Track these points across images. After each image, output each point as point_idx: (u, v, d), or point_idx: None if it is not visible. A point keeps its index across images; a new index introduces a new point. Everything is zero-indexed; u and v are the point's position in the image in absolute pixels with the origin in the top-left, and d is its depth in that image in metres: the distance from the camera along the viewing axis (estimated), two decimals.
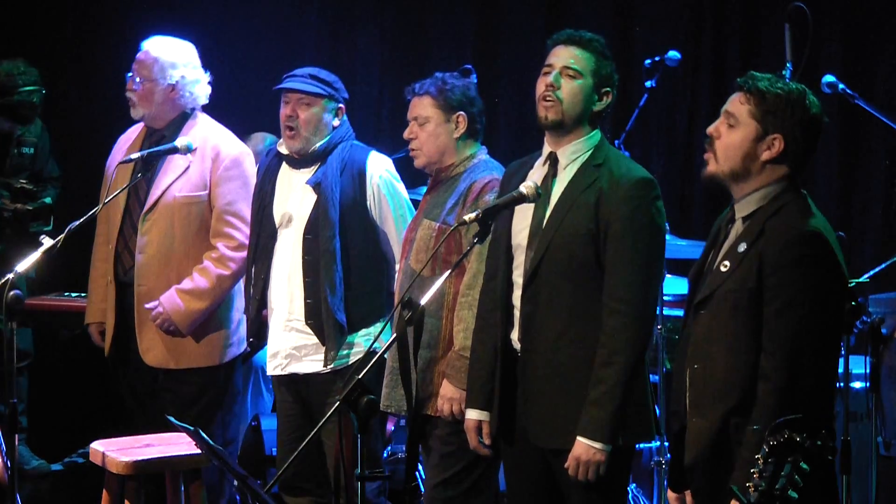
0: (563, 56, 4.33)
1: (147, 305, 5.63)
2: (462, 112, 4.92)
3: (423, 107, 4.95)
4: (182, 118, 5.76)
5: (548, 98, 4.30)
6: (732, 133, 3.78)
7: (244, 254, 5.54)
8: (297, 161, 5.35)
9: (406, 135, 4.99)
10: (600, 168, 4.28)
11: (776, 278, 3.66)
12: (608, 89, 4.35)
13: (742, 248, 3.74)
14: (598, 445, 4.16)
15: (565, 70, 4.31)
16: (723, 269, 3.76)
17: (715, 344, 3.76)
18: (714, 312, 3.76)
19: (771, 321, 3.66)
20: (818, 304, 3.66)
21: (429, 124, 4.93)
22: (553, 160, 4.35)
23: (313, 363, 5.28)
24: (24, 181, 7.08)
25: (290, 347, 5.31)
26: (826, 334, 3.69)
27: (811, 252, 3.67)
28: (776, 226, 3.71)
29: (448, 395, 4.73)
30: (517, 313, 4.36)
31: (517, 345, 4.37)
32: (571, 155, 4.33)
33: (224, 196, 5.67)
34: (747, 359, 3.70)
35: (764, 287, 3.67)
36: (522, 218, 4.36)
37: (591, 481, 4.19)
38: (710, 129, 3.83)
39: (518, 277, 4.36)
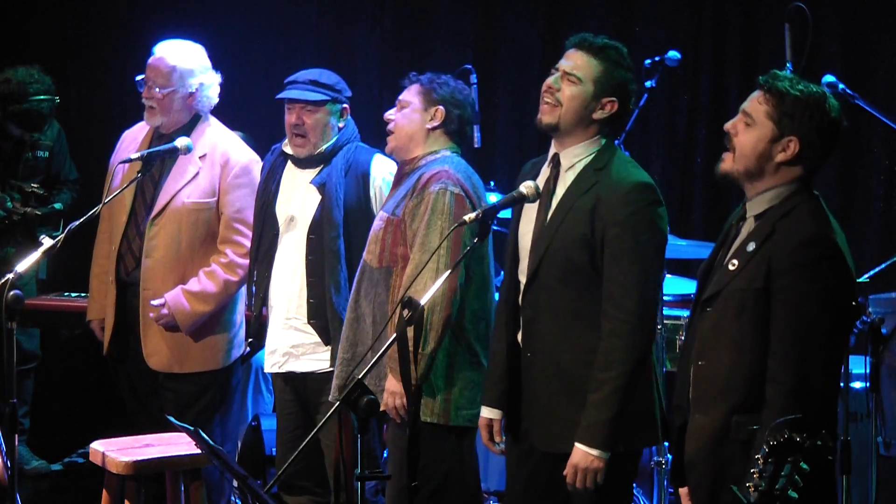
0: (570, 60, 4.27)
1: (153, 302, 5.64)
2: (441, 107, 4.93)
3: (409, 92, 4.99)
4: (192, 122, 5.76)
5: (546, 101, 4.28)
6: (749, 132, 3.78)
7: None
8: (303, 161, 5.37)
9: (386, 115, 5.02)
10: (600, 172, 4.22)
11: (786, 280, 3.65)
12: (612, 99, 4.24)
13: (751, 247, 3.74)
14: (595, 452, 4.12)
15: (566, 74, 4.26)
16: (731, 267, 3.76)
17: (720, 342, 3.76)
18: (720, 310, 3.77)
19: (780, 323, 3.66)
20: (827, 307, 3.65)
21: (407, 108, 4.95)
22: (556, 162, 4.32)
23: (311, 362, 5.29)
24: (35, 185, 7.08)
25: (289, 345, 5.32)
26: (834, 337, 3.69)
27: (821, 255, 3.67)
28: (786, 227, 3.71)
29: (391, 388, 4.72)
30: (522, 315, 4.34)
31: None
32: (574, 158, 4.28)
33: (233, 203, 5.68)
34: (752, 358, 3.70)
35: (773, 289, 3.67)
36: (528, 220, 4.34)
37: (590, 488, 4.16)
38: (728, 126, 3.83)
39: (522, 278, 4.35)
